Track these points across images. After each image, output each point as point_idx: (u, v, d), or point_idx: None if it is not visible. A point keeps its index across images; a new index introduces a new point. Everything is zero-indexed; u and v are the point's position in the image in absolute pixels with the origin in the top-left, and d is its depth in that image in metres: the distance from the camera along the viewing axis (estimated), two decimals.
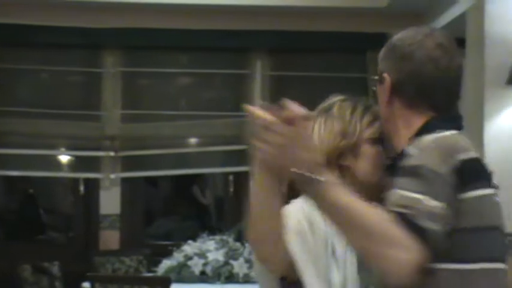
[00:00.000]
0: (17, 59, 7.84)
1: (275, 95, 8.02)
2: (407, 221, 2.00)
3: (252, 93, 7.98)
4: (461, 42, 6.64)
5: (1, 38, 7.63)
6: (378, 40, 8.00)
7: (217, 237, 6.32)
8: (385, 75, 2.34)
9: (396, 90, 2.31)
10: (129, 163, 7.78)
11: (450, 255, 2.10)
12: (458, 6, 6.76)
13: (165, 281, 5.44)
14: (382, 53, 2.42)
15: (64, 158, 7.92)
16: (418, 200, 2.03)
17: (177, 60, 8.11)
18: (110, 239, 7.65)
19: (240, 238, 6.53)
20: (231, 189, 8.50)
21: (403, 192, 2.06)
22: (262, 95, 7.94)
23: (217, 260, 6.05)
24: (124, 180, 7.81)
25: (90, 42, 7.78)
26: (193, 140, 7.97)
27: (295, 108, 2.05)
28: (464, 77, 6.78)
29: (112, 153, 7.77)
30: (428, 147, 2.14)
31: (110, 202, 7.71)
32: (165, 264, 6.06)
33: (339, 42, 7.87)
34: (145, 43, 7.82)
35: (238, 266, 6.12)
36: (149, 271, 6.70)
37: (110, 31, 7.69)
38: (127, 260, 6.96)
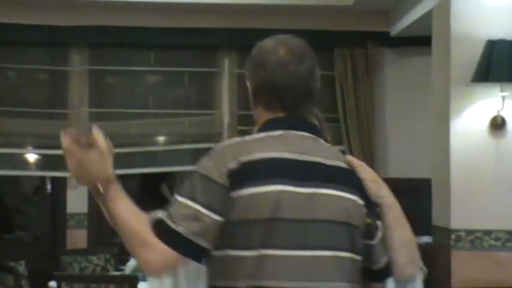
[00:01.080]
0: None
1: (243, 92, 8.04)
2: (163, 226, 2.33)
3: (220, 91, 8.00)
4: (427, 40, 6.70)
5: None
6: (345, 38, 8.16)
7: None
8: (247, 83, 2.59)
9: (256, 96, 2.56)
10: None
11: (229, 243, 2.36)
12: (424, 5, 6.80)
13: (132, 279, 5.42)
14: (247, 61, 2.64)
15: (31, 157, 7.88)
16: (180, 202, 2.36)
17: (145, 59, 8.09)
18: (77, 238, 7.62)
19: None
20: None
21: (175, 196, 2.40)
22: (230, 93, 7.96)
23: None
24: None
25: (57, 40, 7.75)
26: (161, 138, 7.96)
27: (96, 135, 2.42)
28: (431, 75, 6.78)
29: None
30: (214, 152, 2.46)
31: (77, 201, 7.67)
32: (133, 263, 6.03)
33: (306, 39, 7.85)
34: (112, 41, 7.81)
35: None
36: (117, 270, 6.67)
37: (76, 29, 7.66)
38: (94, 259, 6.92)
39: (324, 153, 2.53)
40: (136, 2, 7.46)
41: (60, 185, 7.92)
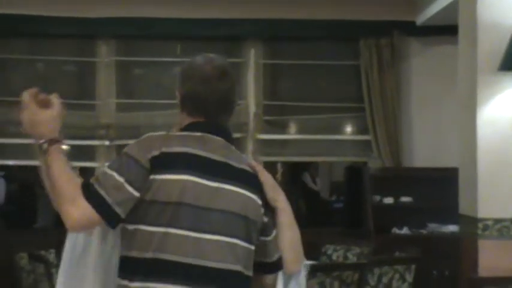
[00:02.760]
0: (12, 49, 7.89)
1: (269, 82, 8.04)
2: (91, 188, 2.70)
3: (246, 81, 8.03)
4: (453, 29, 6.66)
5: None
6: (371, 27, 8.13)
7: None
8: (177, 93, 2.94)
9: (182, 103, 2.93)
10: None
11: (141, 218, 2.72)
12: None
13: None
14: (178, 73, 3.02)
15: None
16: (107, 174, 2.73)
17: (171, 50, 8.13)
18: None
19: None
20: None
21: (104, 168, 2.79)
22: (255, 83, 7.99)
23: None
24: None
25: (84, 32, 7.81)
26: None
27: (54, 98, 2.85)
28: (457, 64, 6.70)
29: (107, 142, 7.82)
30: (143, 139, 2.83)
31: None
32: None
33: (332, 30, 7.91)
34: (139, 32, 7.85)
35: None
36: None
37: (103, 21, 7.70)
38: None
39: (233, 156, 2.90)
40: None
41: (88, 175, 7.93)
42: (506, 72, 6.04)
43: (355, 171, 8.36)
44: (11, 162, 8.16)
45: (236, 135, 7.83)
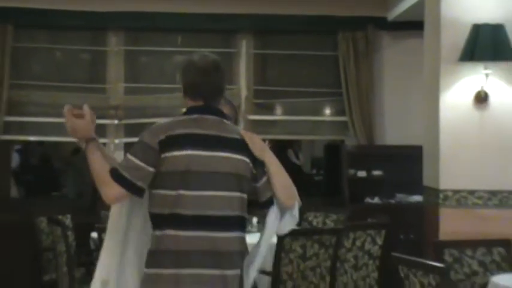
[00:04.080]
0: (33, 39, 7.81)
1: (258, 70, 8.03)
2: (117, 172, 3.17)
3: (238, 69, 8.01)
4: (420, 25, 6.66)
5: (18, 21, 7.59)
6: (348, 23, 8.12)
7: None
8: (181, 82, 3.35)
9: (185, 91, 3.34)
10: (131, 130, 7.78)
11: (160, 185, 3.19)
12: None
13: None
14: (180, 69, 3.41)
15: None
16: (128, 158, 3.20)
17: (173, 41, 8.08)
18: None
19: None
20: None
21: (127, 154, 3.24)
22: (247, 70, 7.98)
23: None
24: (127, 145, 7.84)
25: (97, 24, 7.76)
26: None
27: (85, 111, 3.35)
28: (423, 55, 6.69)
29: (116, 121, 7.80)
30: (152, 128, 3.25)
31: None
32: None
33: (314, 24, 7.89)
34: (145, 25, 7.80)
35: None
36: None
37: (113, 15, 7.66)
38: None
39: (225, 129, 3.30)
40: None
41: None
42: (465, 62, 6.06)
43: (333, 148, 8.38)
44: (31, 138, 8.14)
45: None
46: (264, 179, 3.33)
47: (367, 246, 5.96)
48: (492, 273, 5.00)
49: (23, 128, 7.73)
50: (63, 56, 7.97)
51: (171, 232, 3.19)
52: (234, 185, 3.25)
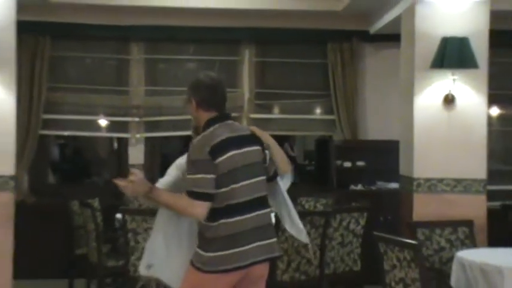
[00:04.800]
0: (68, 49, 7.80)
1: (259, 75, 8.03)
2: (191, 192, 3.30)
3: (242, 74, 7.99)
4: (397, 37, 6.66)
5: (55, 33, 7.58)
6: (336, 35, 8.12)
7: None
8: (192, 99, 3.50)
9: (199, 105, 3.48)
10: (150, 126, 7.80)
11: (220, 184, 3.32)
12: (395, 10, 6.76)
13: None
14: (188, 88, 3.54)
15: (102, 122, 7.91)
16: (196, 177, 3.30)
17: (186, 50, 8.06)
18: None
19: None
20: None
21: (190, 176, 3.32)
22: (249, 76, 7.98)
23: None
24: (146, 139, 7.86)
25: (121, 36, 7.75)
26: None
27: (136, 173, 3.34)
28: (400, 63, 6.66)
29: (137, 119, 7.80)
30: (196, 144, 3.37)
31: (135, 155, 7.74)
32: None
33: (307, 36, 7.89)
34: (162, 36, 7.79)
35: None
36: None
37: (135, 27, 7.65)
38: None
39: (241, 129, 3.54)
40: (181, 8, 7.40)
41: (123, 143, 7.98)
42: (435, 69, 6.07)
43: (322, 143, 8.37)
44: (66, 133, 8.14)
45: (234, 114, 7.82)
46: (268, 161, 3.59)
47: (352, 226, 5.96)
48: (457, 249, 5.03)
49: (58, 124, 7.71)
50: (92, 63, 7.96)
51: (225, 220, 3.33)
52: (260, 171, 3.48)
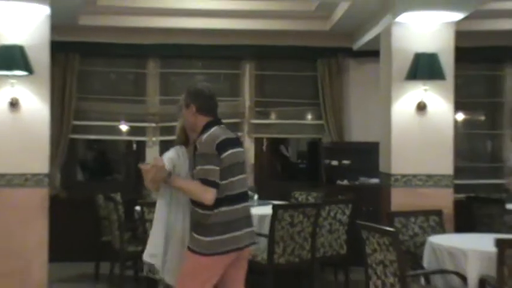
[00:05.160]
0: (94, 64, 7.79)
1: (258, 87, 8.05)
2: (205, 180, 3.31)
3: (243, 85, 7.97)
4: (377, 53, 6.68)
5: (84, 51, 7.59)
6: (324, 51, 8.16)
7: None
8: (192, 105, 3.52)
9: (199, 110, 3.50)
10: (165, 131, 7.77)
11: (222, 177, 3.35)
12: (374, 30, 6.77)
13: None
14: (188, 95, 3.57)
15: (123, 127, 7.92)
16: (207, 168, 3.31)
17: (196, 65, 8.05)
18: None
19: None
20: None
21: (201, 167, 3.34)
22: (249, 86, 7.96)
23: None
24: (161, 142, 7.82)
25: (140, 54, 7.75)
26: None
27: (158, 160, 3.42)
28: (380, 75, 6.71)
29: (154, 125, 7.79)
30: (205, 141, 3.37)
31: (152, 155, 7.66)
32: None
33: (300, 53, 7.88)
34: (175, 53, 7.78)
35: None
36: None
37: (151, 46, 7.66)
38: None
39: (231, 132, 3.56)
40: (190, 29, 7.43)
41: (141, 145, 7.96)
42: (410, 80, 6.11)
43: (313, 144, 8.37)
44: (92, 137, 8.13)
45: (236, 120, 7.85)
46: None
47: (338, 216, 5.99)
48: (428, 235, 5.02)
49: (85, 129, 7.69)
50: (115, 76, 7.97)
51: (223, 209, 3.37)
52: (245, 170, 3.53)
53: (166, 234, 3.51)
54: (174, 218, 3.53)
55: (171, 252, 3.52)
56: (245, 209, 3.49)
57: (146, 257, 3.56)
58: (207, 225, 3.35)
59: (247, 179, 3.57)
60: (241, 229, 3.42)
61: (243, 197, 3.49)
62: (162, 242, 3.51)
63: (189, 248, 3.41)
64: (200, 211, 3.38)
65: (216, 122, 3.51)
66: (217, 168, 3.33)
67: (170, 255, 3.52)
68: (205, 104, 3.50)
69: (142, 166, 3.37)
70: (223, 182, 3.36)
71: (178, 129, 3.72)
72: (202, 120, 3.48)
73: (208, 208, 3.35)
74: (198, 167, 3.35)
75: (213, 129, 3.45)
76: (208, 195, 3.31)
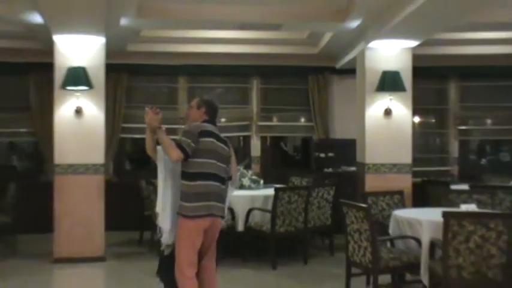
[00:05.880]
0: (138, 81, 7.77)
1: (263, 97, 8.07)
2: (179, 144, 3.32)
3: (252, 96, 7.96)
4: (354, 70, 6.70)
5: (130, 71, 7.58)
6: (313, 69, 8.14)
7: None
8: (203, 107, 3.55)
9: (206, 113, 3.53)
10: None
11: (195, 156, 3.36)
12: (352, 53, 6.78)
13: None
14: (202, 101, 3.60)
15: None
16: (184, 139, 3.34)
17: (215, 80, 8.01)
18: None
19: (246, 168, 6.62)
20: (241, 144, 8.53)
21: (181, 137, 3.38)
22: (256, 97, 7.94)
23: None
24: None
25: (172, 72, 7.74)
26: (222, 120, 7.97)
27: (160, 112, 3.38)
28: (356, 87, 6.68)
29: (183, 126, 7.77)
30: (194, 125, 3.45)
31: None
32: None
33: (295, 71, 7.86)
34: (200, 71, 7.76)
35: (245, 181, 6.20)
36: None
37: (182, 66, 7.65)
38: None
39: (219, 132, 3.53)
40: (212, 52, 7.41)
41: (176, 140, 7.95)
42: (379, 92, 6.13)
43: (306, 141, 8.32)
44: (137, 136, 8.05)
45: (246, 123, 7.86)
46: (231, 165, 3.58)
47: (325, 196, 6.00)
48: (393, 209, 5.04)
49: (132, 130, 7.70)
50: (154, 90, 7.97)
51: (200, 182, 3.37)
52: (225, 161, 3.50)
53: (164, 196, 3.46)
54: (170, 183, 3.46)
55: (167, 214, 3.44)
56: (218, 187, 3.44)
57: (158, 209, 3.48)
58: (189, 193, 3.37)
59: (227, 169, 3.51)
60: (212, 200, 3.40)
61: (217, 179, 3.43)
62: (163, 201, 3.46)
63: (178, 214, 3.41)
64: (185, 182, 3.38)
65: (211, 121, 3.56)
66: (193, 144, 3.34)
67: (165, 217, 3.44)
68: (211, 109, 3.57)
69: (147, 108, 3.37)
70: (200, 160, 3.37)
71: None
72: (204, 118, 3.55)
73: (189, 180, 3.37)
74: (180, 137, 3.43)
75: (206, 124, 3.51)
76: (176, 153, 3.30)
